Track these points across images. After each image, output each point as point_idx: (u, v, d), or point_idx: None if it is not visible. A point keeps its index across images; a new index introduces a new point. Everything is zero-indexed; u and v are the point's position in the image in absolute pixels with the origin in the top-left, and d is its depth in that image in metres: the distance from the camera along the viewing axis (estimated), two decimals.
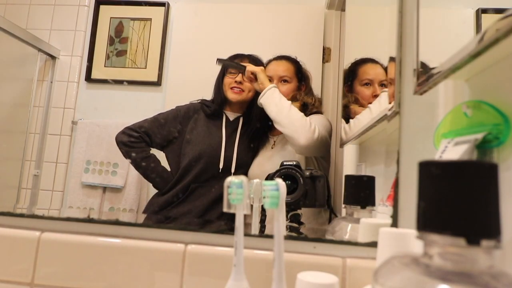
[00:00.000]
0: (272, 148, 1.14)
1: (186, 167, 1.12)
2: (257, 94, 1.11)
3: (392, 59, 0.58)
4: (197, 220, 1.08)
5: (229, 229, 0.55)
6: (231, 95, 1.17)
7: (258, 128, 1.16)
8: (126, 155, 1.15)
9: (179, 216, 1.10)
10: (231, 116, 1.19)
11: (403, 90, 0.55)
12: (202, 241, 0.54)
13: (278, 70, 1.15)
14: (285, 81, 1.14)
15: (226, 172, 1.11)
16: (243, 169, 1.12)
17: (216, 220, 1.09)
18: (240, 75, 1.16)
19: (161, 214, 1.12)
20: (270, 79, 1.13)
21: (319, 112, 1.16)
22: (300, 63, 1.19)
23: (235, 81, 1.16)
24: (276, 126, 1.05)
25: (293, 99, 1.11)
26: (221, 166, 1.12)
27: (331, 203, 0.83)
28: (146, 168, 1.15)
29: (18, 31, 1.29)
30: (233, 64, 1.18)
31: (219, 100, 1.18)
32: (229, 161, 1.12)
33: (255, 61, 1.19)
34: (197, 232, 0.56)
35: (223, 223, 1.01)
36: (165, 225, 0.57)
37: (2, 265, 0.56)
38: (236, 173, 1.10)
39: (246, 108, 1.20)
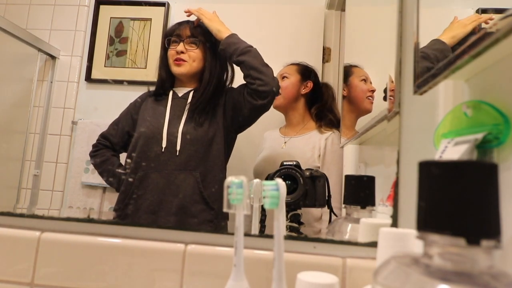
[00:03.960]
0: (282, 148, 1.08)
1: (130, 152, 1.02)
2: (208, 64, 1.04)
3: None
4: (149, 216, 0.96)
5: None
6: (174, 69, 1.04)
7: (209, 100, 1.02)
8: (93, 165, 1.09)
9: (133, 212, 0.98)
10: (180, 91, 1.06)
11: (403, 90, 0.55)
12: (202, 241, 0.54)
13: (281, 72, 1.14)
14: (284, 77, 1.12)
15: (171, 151, 0.97)
16: (193, 148, 0.98)
17: (171, 216, 0.95)
18: (181, 44, 1.03)
19: (120, 211, 1.01)
20: None
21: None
22: (305, 63, 1.16)
23: (176, 51, 1.03)
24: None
25: (297, 93, 1.10)
26: (164, 144, 0.98)
27: (331, 203, 0.83)
28: (103, 172, 1.07)
29: (18, 31, 1.29)
30: None
31: (164, 76, 1.06)
32: (174, 139, 0.98)
33: (201, 28, 1.05)
34: (197, 232, 0.56)
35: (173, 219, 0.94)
36: (165, 225, 0.57)
37: (2, 265, 0.56)
38: (184, 152, 0.98)
39: (199, 81, 1.05)
